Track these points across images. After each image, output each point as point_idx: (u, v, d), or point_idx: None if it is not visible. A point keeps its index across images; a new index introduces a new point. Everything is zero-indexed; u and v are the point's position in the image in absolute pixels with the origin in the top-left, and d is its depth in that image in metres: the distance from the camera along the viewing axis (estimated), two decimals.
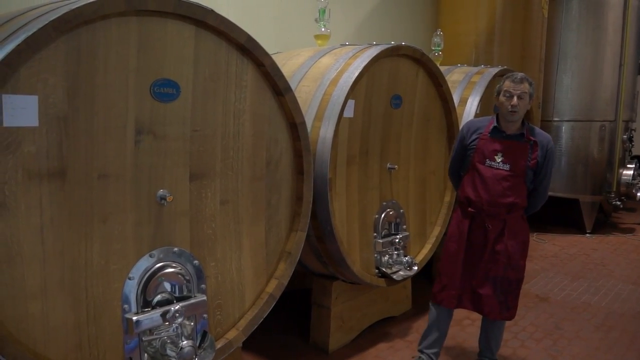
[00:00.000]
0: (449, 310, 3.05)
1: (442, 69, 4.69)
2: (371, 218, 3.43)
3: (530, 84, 2.83)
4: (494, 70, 4.69)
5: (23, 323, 1.81)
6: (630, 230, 7.13)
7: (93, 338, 2.01)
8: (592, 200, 6.75)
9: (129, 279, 2.10)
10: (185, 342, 2.15)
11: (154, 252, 2.17)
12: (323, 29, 3.98)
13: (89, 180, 1.94)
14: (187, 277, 2.28)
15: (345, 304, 3.45)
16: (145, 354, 2.14)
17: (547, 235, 6.73)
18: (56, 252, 1.88)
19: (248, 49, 2.39)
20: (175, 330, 2.18)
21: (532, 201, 2.97)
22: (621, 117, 6.64)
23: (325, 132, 2.94)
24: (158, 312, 2.12)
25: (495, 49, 5.83)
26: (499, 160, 2.82)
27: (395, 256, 3.53)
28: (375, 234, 3.45)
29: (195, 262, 2.32)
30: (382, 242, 3.44)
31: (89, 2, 1.82)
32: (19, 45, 1.67)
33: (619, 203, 6.77)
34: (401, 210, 3.63)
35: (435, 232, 4.00)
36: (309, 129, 2.93)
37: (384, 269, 3.46)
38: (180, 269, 2.25)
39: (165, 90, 2.12)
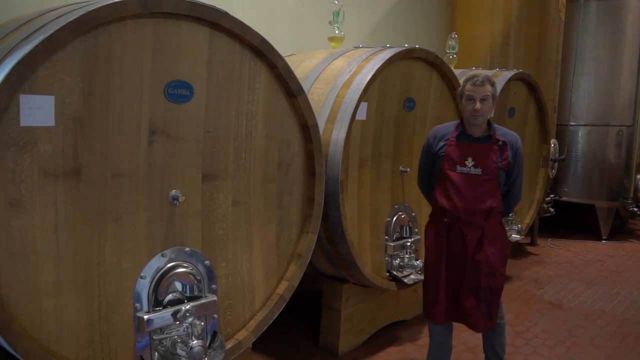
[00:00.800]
0: (446, 325, 2.92)
1: (457, 72, 4.66)
2: (383, 221, 3.42)
3: (492, 85, 2.72)
4: (509, 74, 4.65)
5: (37, 320, 1.84)
6: None
7: (105, 336, 2.04)
8: (609, 206, 6.65)
9: (141, 277, 2.12)
10: (195, 342, 2.16)
11: (165, 251, 2.19)
12: (337, 32, 3.98)
13: (103, 180, 1.96)
14: (198, 277, 2.30)
15: (355, 306, 3.45)
16: (156, 353, 2.16)
17: (562, 241, 6.65)
18: (70, 250, 1.91)
19: (261, 51, 2.40)
20: (185, 329, 2.20)
21: (507, 203, 2.87)
22: (639, 122, 6.54)
23: (338, 135, 2.94)
24: (169, 311, 2.14)
25: (510, 52, 5.78)
26: (470, 164, 2.71)
27: (406, 259, 3.51)
28: (386, 237, 3.44)
29: (207, 262, 2.34)
30: (394, 245, 3.43)
31: (105, 4, 1.85)
32: (36, 46, 1.70)
33: (636, 209, 6.66)
34: (413, 214, 3.62)
35: None
36: (321, 131, 2.93)
37: (395, 272, 3.44)
38: (191, 269, 2.27)
39: (179, 92, 2.15)
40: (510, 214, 4.71)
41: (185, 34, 2.13)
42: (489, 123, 2.79)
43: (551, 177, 5.81)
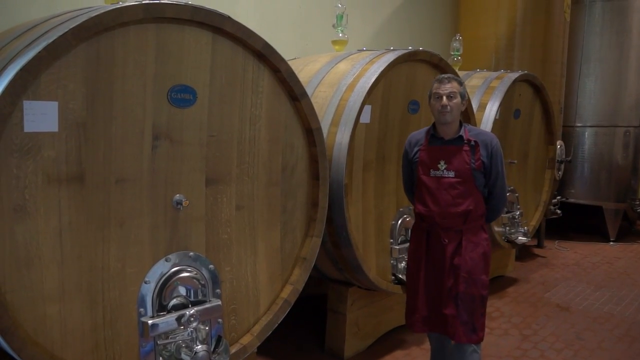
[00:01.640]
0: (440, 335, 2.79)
1: (461, 74, 4.66)
2: (387, 224, 3.41)
3: (460, 83, 2.66)
4: (514, 75, 4.63)
5: (41, 325, 1.85)
6: None
7: (109, 341, 2.03)
8: (616, 207, 6.60)
9: (145, 282, 2.12)
10: (199, 347, 2.16)
11: (170, 256, 2.19)
12: (341, 35, 3.98)
13: (107, 185, 1.97)
14: (203, 282, 2.29)
15: (361, 310, 3.43)
16: (160, 358, 2.16)
17: (569, 242, 6.60)
18: (74, 255, 1.91)
19: (264, 55, 2.40)
20: (190, 334, 2.19)
21: (490, 206, 2.78)
22: None
23: (342, 138, 2.94)
24: (173, 316, 2.14)
25: (515, 54, 5.75)
26: (443, 168, 2.64)
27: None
28: (391, 240, 3.43)
29: (211, 266, 2.33)
30: (399, 249, 3.42)
31: (108, 10, 1.85)
32: (39, 52, 1.71)
33: None
34: None
35: None
36: (325, 135, 2.93)
37: (400, 276, 3.42)
38: (195, 274, 2.27)
39: (182, 96, 2.15)
40: (514, 218, 4.68)
41: (188, 38, 2.14)
42: (460, 124, 2.72)
43: (558, 178, 5.77)
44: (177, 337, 2.17)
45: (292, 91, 2.57)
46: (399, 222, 3.46)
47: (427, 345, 3.57)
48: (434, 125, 2.75)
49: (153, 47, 2.03)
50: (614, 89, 6.45)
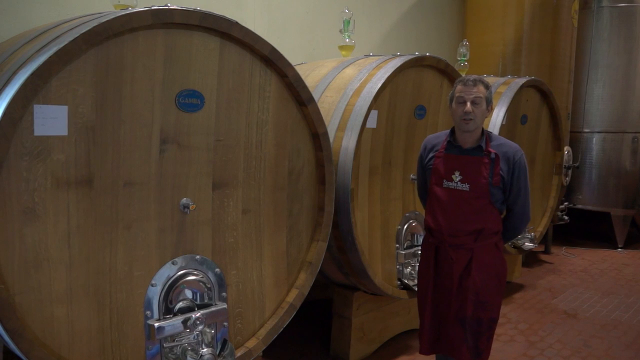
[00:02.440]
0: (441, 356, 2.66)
1: None
2: (394, 229, 3.41)
3: (486, 87, 2.41)
4: (521, 81, 4.62)
5: (49, 327, 1.86)
6: None
7: (116, 343, 2.05)
8: (624, 214, 6.55)
9: (152, 285, 2.14)
10: (205, 350, 2.17)
11: (176, 259, 2.21)
12: (347, 40, 3.99)
13: (115, 188, 1.98)
14: (209, 285, 2.30)
15: (366, 315, 3.43)
16: None
17: (577, 249, 6.55)
18: (82, 257, 1.93)
19: (272, 60, 2.42)
20: (196, 337, 2.20)
21: (509, 225, 2.55)
22: None
23: (348, 143, 2.95)
24: (179, 319, 2.15)
25: (522, 59, 5.74)
26: (457, 179, 2.42)
27: (417, 268, 3.49)
28: (397, 245, 3.42)
29: (217, 270, 2.34)
30: (405, 254, 3.41)
31: (117, 15, 1.88)
32: (50, 57, 1.73)
33: None
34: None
35: None
36: (331, 139, 2.94)
37: (406, 281, 3.42)
38: (202, 277, 2.28)
39: (190, 101, 2.17)
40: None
41: (196, 44, 2.16)
42: (483, 132, 2.49)
43: (565, 184, 5.74)
44: (183, 340, 2.18)
45: (299, 96, 2.58)
46: (405, 227, 3.46)
47: None
48: (452, 130, 2.53)
49: (161, 52, 2.05)
50: (622, 95, 6.42)
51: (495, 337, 3.78)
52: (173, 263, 2.20)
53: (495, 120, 4.31)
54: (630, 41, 6.35)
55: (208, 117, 2.24)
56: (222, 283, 2.36)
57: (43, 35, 2.04)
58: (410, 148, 3.43)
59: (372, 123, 3.11)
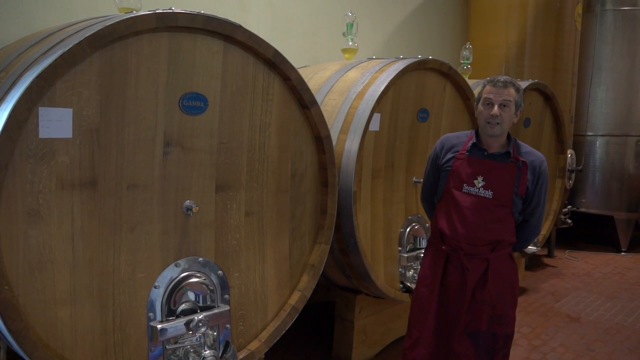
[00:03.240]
0: None
1: (471, 82, 4.66)
2: (396, 232, 3.41)
3: (517, 90, 2.27)
4: (524, 84, 4.62)
5: (52, 328, 1.87)
6: None
7: (119, 345, 2.06)
8: (628, 217, 6.53)
9: (155, 287, 2.14)
10: (207, 352, 2.17)
11: (179, 261, 2.21)
12: (350, 43, 4.01)
13: (119, 190, 1.99)
14: (211, 287, 2.31)
15: (368, 317, 3.43)
16: None
17: (580, 252, 6.53)
18: (85, 259, 1.93)
19: (275, 63, 2.42)
20: (198, 339, 2.21)
21: (521, 236, 2.43)
22: None
23: (351, 145, 2.95)
24: (182, 321, 2.15)
25: (526, 62, 5.74)
26: (480, 185, 2.29)
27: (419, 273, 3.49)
28: (400, 248, 3.42)
29: (220, 272, 2.35)
30: (407, 257, 3.41)
31: (122, 19, 1.89)
32: (55, 60, 1.74)
33: None
34: (427, 225, 3.59)
35: None
36: (334, 142, 2.95)
37: (408, 284, 3.42)
38: (204, 279, 2.28)
39: (193, 104, 2.18)
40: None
41: (200, 47, 2.17)
42: (509, 137, 2.37)
43: (568, 187, 5.73)
44: (186, 342, 2.19)
45: (302, 99, 2.59)
46: (408, 230, 3.46)
47: None
48: (477, 132, 2.40)
49: (165, 55, 2.06)
50: (626, 98, 6.41)
51: None
52: (176, 265, 2.20)
53: None
54: (634, 44, 6.34)
55: (211, 120, 2.25)
56: (224, 285, 2.37)
57: (48, 39, 2.05)
58: (412, 151, 3.43)
59: (375, 126, 3.11)
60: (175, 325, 2.14)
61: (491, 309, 2.32)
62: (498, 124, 2.24)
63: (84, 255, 1.93)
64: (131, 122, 2.00)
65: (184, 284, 2.22)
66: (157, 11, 1.98)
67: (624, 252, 6.55)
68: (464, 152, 2.37)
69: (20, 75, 1.78)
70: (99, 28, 1.84)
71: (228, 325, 2.34)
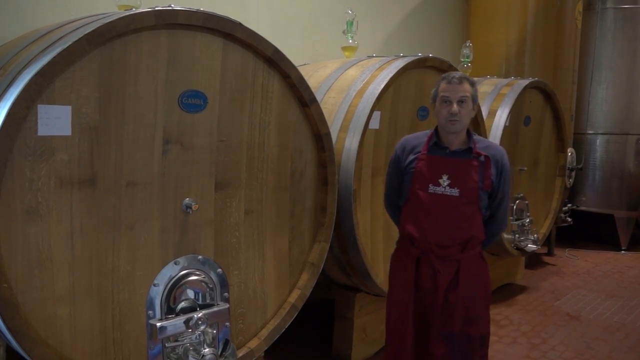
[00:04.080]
0: None
1: None
2: (396, 230, 3.39)
3: (472, 85, 2.29)
4: (525, 82, 4.61)
5: (51, 326, 1.87)
6: None
7: (118, 342, 2.05)
8: (628, 216, 6.52)
9: (154, 285, 2.14)
10: (207, 350, 2.17)
11: (179, 259, 2.21)
12: (350, 41, 4.00)
13: (118, 188, 1.99)
14: (211, 285, 2.31)
15: (368, 316, 3.43)
16: None
17: (580, 251, 6.53)
18: (85, 257, 1.93)
19: (274, 61, 2.42)
20: (197, 337, 2.21)
21: (489, 231, 2.41)
22: None
23: (350, 144, 2.95)
24: (181, 319, 2.15)
25: (526, 60, 5.73)
26: (445, 184, 2.25)
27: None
28: None
29: (219, 270, 2.35)
30: None
31: (121, 16, 1.88)
32: (54, 57, 1.74)
33: None
34: None
35: None
36: (334, 140, 2.94)
37: None
38: (204, 277, 2.28)
39: (193, 101, 2.17)
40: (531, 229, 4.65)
41: (200, 44, 2.16)
42: (468, 133, 2.37)
43: (568, 186, 5.73)
44: (185, 340, 2.18)
45: (302, 97, 2.58)
46: None
47: None
48: (436, 130, 2.40)
49: (165, 52, 2.06)
50: (626, 97, 6.40)
51: (497, 338, 3.79)
52: (175, 263, 2.20)
53: (499, 121, 4.30)
54: (635, 43, 6.33)
55: (211, 118, 2.25)
56: (224, 283, 2.36)
57: (47, 36, 2.05)
58: None
59: (374, 124, 3.11)
60: (175, 323, 2.14)
61: (464, 310, 2.30)
62: (458, 120, 2.25)
63: (83, 253, 1.93)
64: (130, 120, 1.99)
65: (183, 281, 2.21)
66: (156, 8, 1.97)
67: (624, 250, 6.55)
68: (425, 152, 2.36)
69: (19, 72, 1.77)
70: (98, 25, 1.83)
71: (227, 323, 2.34)
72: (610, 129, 6.50)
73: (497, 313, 4.33)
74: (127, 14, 1.91)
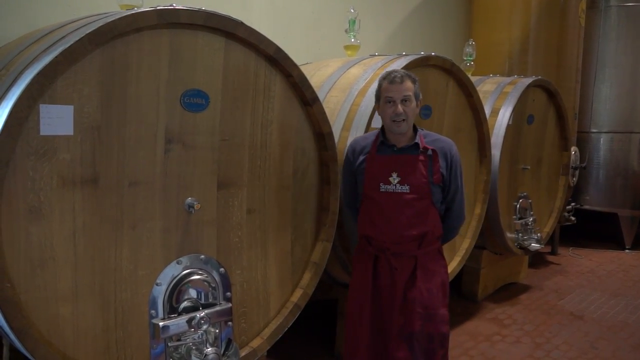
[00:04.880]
0: None
1: (474, 79, 4.64)
2: None
3: (414, 82, 2.28)
4: (528, 81, 4.60)
5: (54, 325, 1.87)
6: None
7: (120, 342, 2.06)
8: (632, 214, 6.50)
9: (157, 284, 2.14)
10: (209, 349, 2.17)
11: (181, 259, 2.21)
12: (353, 40, 3.99)
13: (120, 188, 1.99)
14: (213, 285, 2.30)
15: None
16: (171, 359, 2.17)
17: (584, 250, 6.51)
18: (87, 256, 1.93)
19: (277, 60, 2.42)
20: (200, 337, 2.21)
21: (447, 225, 2.43)
22: None
23: None
24: (184, 318, 2.15)
25: (529, 59, 5.71)
26: (395, 181, 2.26)
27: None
28: None
29: (222, 269, 2.35)
30: None
31: (123, 15, 1.88)
32: (56, 57, 1.74)
33: None
34: None
35: (465, 245, 3.92)
36: (336, 139, 2.93)
37: None
38: (206, 276, 2.28)
39: (195, 101, 2.17)
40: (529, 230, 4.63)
41: (201, 43, 2.16)
42: (415, 129, 2.37)
43: (572, 185, 5.71)
44: (188, 340, 2.18)
45: (304, 96, 2.58)
46: None
47: None
48: (382, 130, 2.41)
49: (166, 52, 2.05)
50: (630, 95, 6.37)
51: (500, 337, 3.78)
52: (178, 262, 2.20)
53: (502, 120, 4.29)
54: (638, 40, 6.30)
55: (213, 117, 2.25)
56: (226, 282, 2.36)
57: (49, 36, 2.05)
58: None
59: (377, 123, 3.09)
60: (177, 323, 2.13)
61: (423, 308, 2.29)
62: (404, 120, 2.26)
63: (86, 252, 1.93)
64: (132, 119, 1.99)
65: (185, 281, 2.21)
66: (158, 8, 1.97)
67: (628, 249, 6.52)
68: (374, 152, 2.38)
69: (21, 72, 1.77)
70: (99, 25, 1.83)
71: (230, 323, 2.34)
72: (614, 127, 6.47)
73: (501, 312, 4.32)
74: (129, 13, 1.91)
